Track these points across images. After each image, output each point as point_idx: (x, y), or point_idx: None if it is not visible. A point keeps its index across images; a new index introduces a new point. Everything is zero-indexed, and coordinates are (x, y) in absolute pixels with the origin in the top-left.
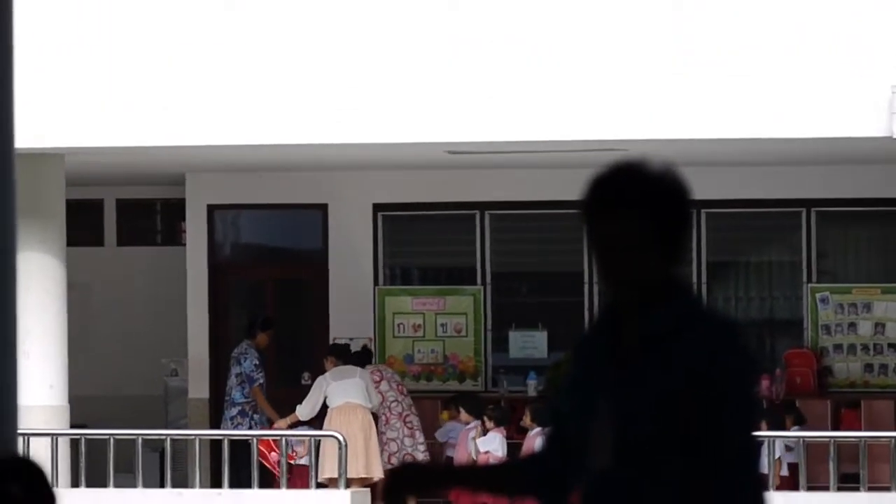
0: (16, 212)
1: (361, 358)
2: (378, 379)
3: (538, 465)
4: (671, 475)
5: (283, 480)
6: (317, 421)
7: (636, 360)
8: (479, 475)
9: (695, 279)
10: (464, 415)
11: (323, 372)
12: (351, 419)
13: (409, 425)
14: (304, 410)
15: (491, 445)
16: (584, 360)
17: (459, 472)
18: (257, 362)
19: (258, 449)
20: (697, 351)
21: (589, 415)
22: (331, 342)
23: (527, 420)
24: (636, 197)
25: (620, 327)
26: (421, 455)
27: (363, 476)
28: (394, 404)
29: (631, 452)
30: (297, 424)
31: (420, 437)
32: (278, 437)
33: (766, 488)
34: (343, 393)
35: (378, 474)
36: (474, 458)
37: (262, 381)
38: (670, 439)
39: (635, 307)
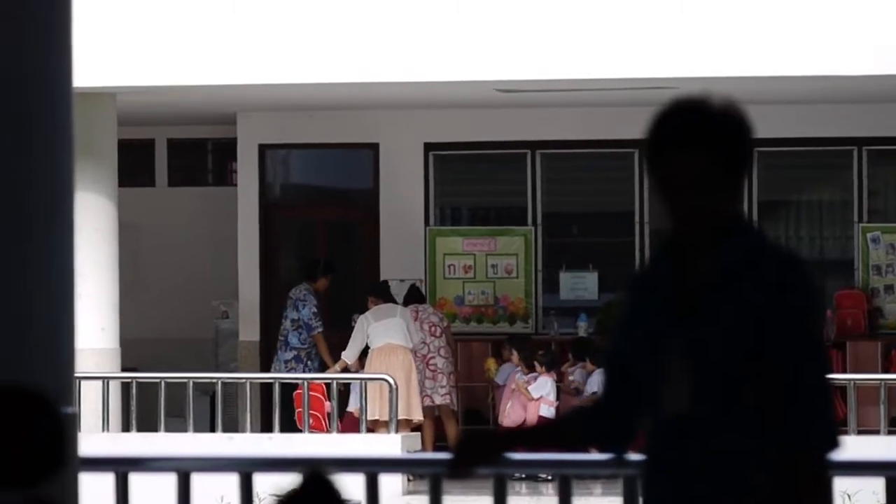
0: (74, 152)
1: (410, 298)
2: (413, 318)
3: (600, 414)
4: (746, 415)
5: (334, 425)
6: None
7: (705, 297)
8: (541, 434)
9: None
10: (515, 357)
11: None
12: (391, 360)
13: (431, 367)
14: (350, 353)
15: (543, 391)
16: (644, 299)
17: (522, 435)
18: (315, 310)
19: (310, 397)
20: (768, 285)
21: (656, 356)
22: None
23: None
24: (704, 134)
25: (685, 265)
26: (439, 399)
27: (404, 418)
28: (419, 345)
29: (705, 393)
30: (346, 369)
31: (443, 380)
32: (328, 383)
33: (839, 423)
34: (383, 334)
35: (418, 416)
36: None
37: (320, 328)
38: (744, 377)
39: (703, 244)
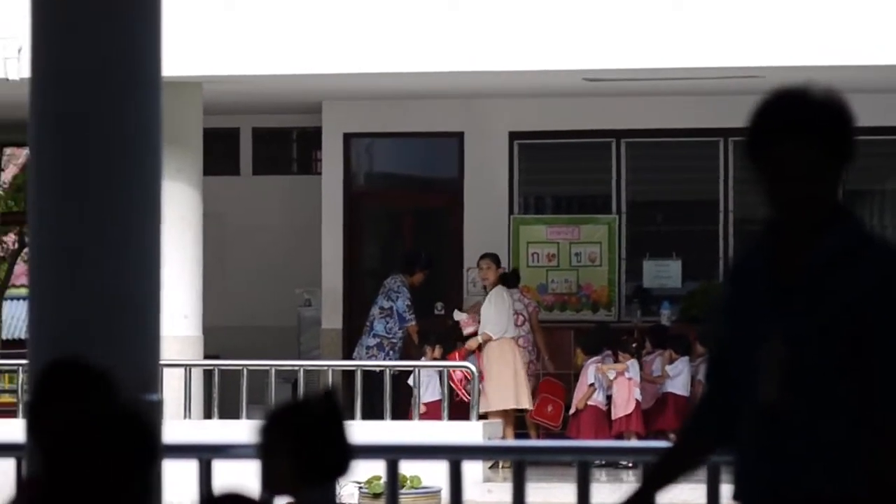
0: (161, 140)
1: (510, 280)
2: None
3: (706, 410)
4: (840, 405)
5: (417, 412)
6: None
7: (803, 287)
8: (672, 464)
9: None
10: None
11: (460, 298)
12: (506, 350)
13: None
14: (498, 328)
15: (634, 373)
16: (741, 289)
17: (659, 474)
18: (409, 303)
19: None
20: (868, 276)
21: (752, 346)
22: (465, 270)
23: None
24: (809, 123)
25: (783, 254)
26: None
27: (515, 407)
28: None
29: (800, 381)
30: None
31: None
32: (412, 369)
33: None
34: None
35: (526, 404)
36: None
37: (413, 321)
38: (840, 366)
39: (804, 234)
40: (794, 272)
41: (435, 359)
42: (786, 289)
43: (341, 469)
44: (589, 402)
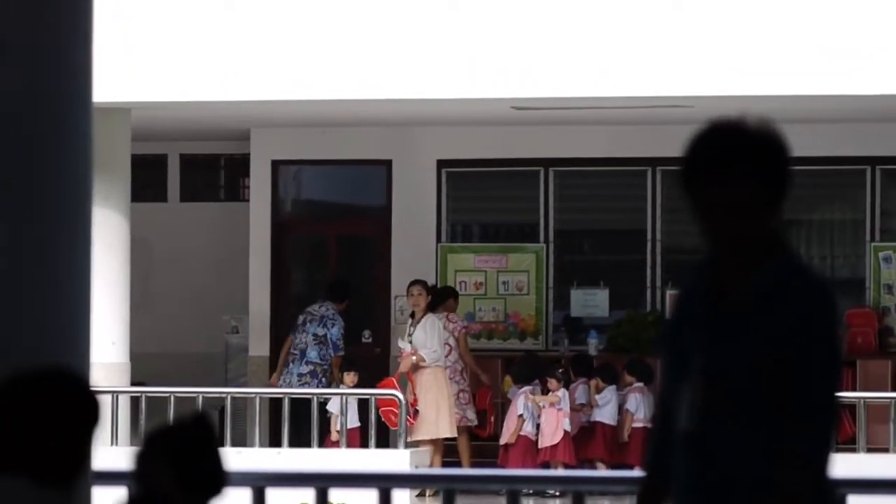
0: (92, 166)
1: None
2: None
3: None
4: (761, 437)
5: (344, 440)
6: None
7: (734, 317)
8: (657, 480)
9: None
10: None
11: (387, 327)
12: (438, 378)
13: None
14: (434, 356)
15: (564, 404)
16: (678, 317)
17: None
18: (343, 332)
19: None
20: (794, 311)
21: (682, 371)
22: (393, 298)
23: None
24: (744, 158)
25: (718, 285)
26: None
27: (442, 437)
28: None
29: (720, 412)
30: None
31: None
32: (342, 396)
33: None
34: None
35: (450, 433)
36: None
37: (342, 352)
38: (763, 399)
39: (738, 267)
40: (726, 304)
41: (350, 386)
42: (716, 320)
43: (216, 490)
44: (520, 433)
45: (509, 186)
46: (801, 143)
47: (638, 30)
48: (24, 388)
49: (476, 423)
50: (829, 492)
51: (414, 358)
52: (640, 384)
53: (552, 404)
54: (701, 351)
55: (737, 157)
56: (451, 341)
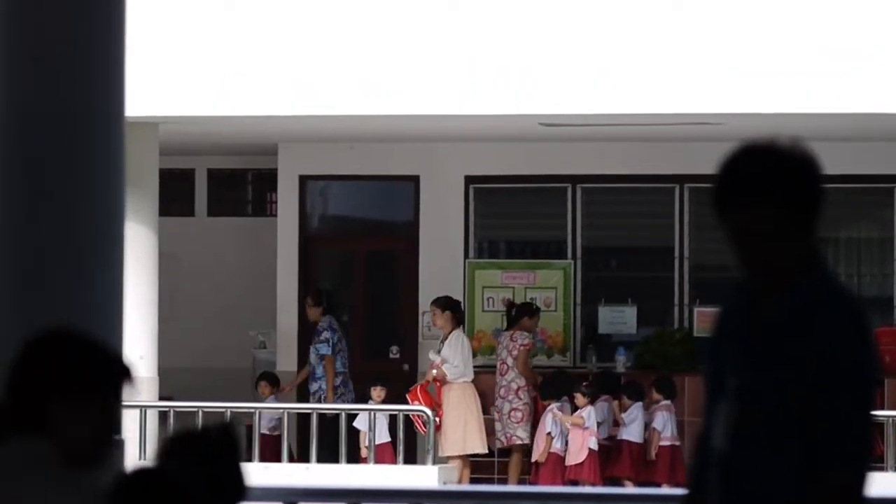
0: (125, 181)
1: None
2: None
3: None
4: (789, 461)
5: (372, 455)
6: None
7: (763, 340)
8: (698, 498)
9: None
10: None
11: (414, 343)
12: (467, 393)
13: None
14: (456, 372)
15: (590, 422)
16: (717, 338)
17: None
18: (333, 338)
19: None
20: (822, 334)
21: (718, 392)
22: (420, 314)
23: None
24: (772, 185)
25: (753, 307)
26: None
27: (469, 452)
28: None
29: (750, 435)
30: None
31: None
32: (366, 412)
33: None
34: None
35: (478, 448)
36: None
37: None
38: (791, 422)
39: (774, 285)
40: (760, 323)
41: (378, 401)
42: (750, 339)
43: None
44: (549, 451)
45: (537, 203)
46: (828, 161)
47: (667, 47)
48: (46, 347)
49: (528, 441)
50: None
51: (434, 372)
52: (668, 402)
53: (575, 424)
54: (735, 370)
55: (765, 185)
56: (510, 360)
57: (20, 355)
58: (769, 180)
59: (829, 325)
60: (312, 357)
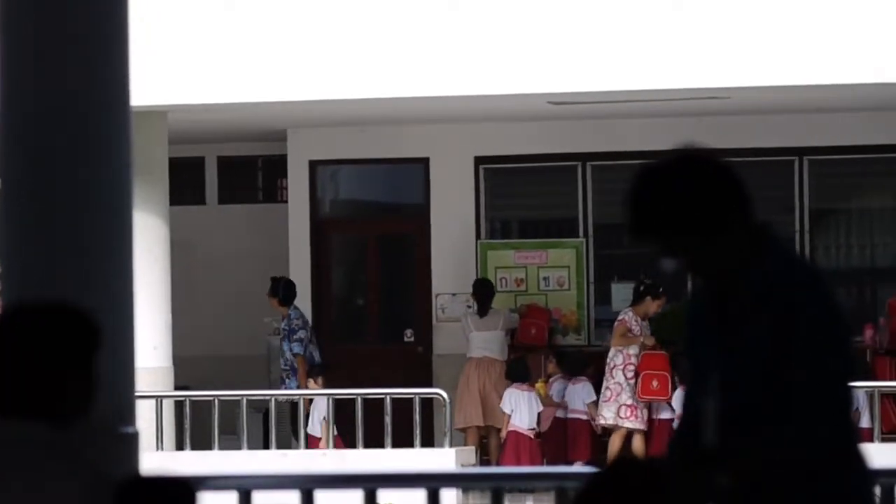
0: (132, 170)
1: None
2: None
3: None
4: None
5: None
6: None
7: (728, 331)
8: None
9: (797, 227)
10: (553, 366)
11: (428, 326)
12: (490, 372)
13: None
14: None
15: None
16: (693, 328)
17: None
18: (301, 336)
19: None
20: (791, 297)
21: (700, 385)
22: (434, 296)
23: (551, 367)
24: (674, 216)
25: (724, 297)
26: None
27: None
28: None
29: (732, 427)
30: None
31: None
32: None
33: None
34: (484, 345)
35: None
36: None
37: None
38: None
39: (728, 275)
40: (726, 320)
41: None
42: (722, 332)
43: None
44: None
45: (547, 182)
46: (839, 132)
47: (674, 22)
48: (18, 323)
49: (611, 422)
50: (836, 481)
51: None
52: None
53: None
54: (715, 366)
55: (666, 219)
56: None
57: None
58: (669, 213)
59: (789, 291)
60: (288, 353)
